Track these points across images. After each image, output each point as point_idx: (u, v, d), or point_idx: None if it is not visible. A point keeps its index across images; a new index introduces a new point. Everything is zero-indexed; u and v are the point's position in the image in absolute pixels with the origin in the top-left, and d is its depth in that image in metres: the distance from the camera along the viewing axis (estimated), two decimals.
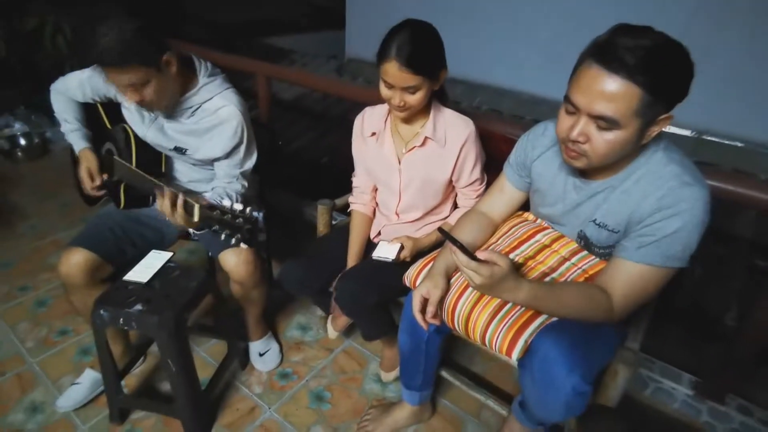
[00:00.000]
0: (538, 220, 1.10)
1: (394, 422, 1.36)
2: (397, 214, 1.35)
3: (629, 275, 0.88)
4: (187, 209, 1.07)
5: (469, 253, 0.86)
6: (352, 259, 1.34)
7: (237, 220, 1.02)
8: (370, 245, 1.38)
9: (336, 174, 3.38)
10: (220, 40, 5.20)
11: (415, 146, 1.23)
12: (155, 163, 1.39)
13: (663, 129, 0.83)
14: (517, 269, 0.99)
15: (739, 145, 3.29)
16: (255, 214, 1.03)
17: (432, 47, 1.11)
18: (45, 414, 1.38)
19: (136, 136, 1.35)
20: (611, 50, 0.75)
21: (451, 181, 1.28)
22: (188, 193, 1.39)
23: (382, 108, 1.30)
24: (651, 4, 3.09)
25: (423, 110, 1.21)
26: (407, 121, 1.24)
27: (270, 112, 2.26)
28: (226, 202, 1.04)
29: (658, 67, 0.74)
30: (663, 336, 1.67)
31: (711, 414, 1.44)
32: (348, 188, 1.48)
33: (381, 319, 1.31)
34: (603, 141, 0.80)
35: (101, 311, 1.17)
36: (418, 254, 1.24)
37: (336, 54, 5.65)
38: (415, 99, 1.12)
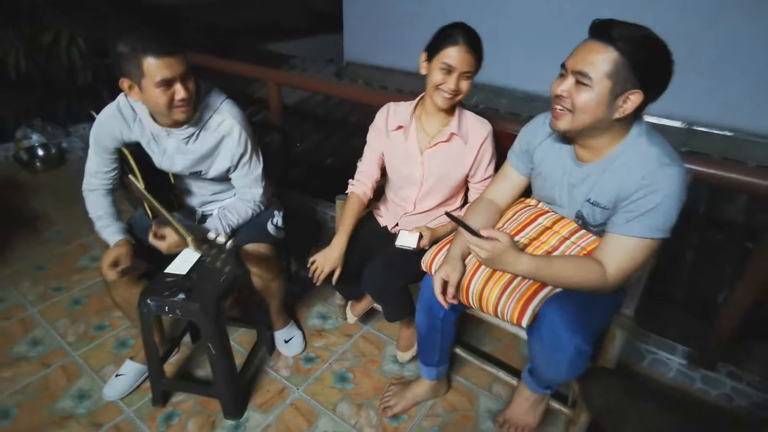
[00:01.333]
0: (540, 204, 1.23)
1: (414, 396, 1.49)
2: (414, 205, 1.46)
3: (619, 247, 1.01)
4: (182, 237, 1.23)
5: (474, 232, 1.01)
6: (342, 235, 1.40)
7: (221, 255, 1.17)
8: (390, 236, 1.49)
9: (340, 174, 3.51)
10: (219, 45, 5.32)
11: (440, 141, 1.35)
12: (163, 178, 1.45)
13: (638, 113, 0.97)
14: (522, 249, 1.12)
15: (729, 134, 3.42)
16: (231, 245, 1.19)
17: (479, 39, 1.25)
18: (92, 400, 1.50)
19: (134, 154, 1.37)
20: (603, 26, 0.92)
21: (467, 176, 1.40)
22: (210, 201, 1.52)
23: (407, 104, 1.41)
24: (640, 1, 3.22)
25: (450, 108, 1.33)
26: (438, 113, 1.35)
27: (281, 117, 2.38)
28: (212, 235, 1.21)
29: (635, 43, 0.89)
30: (660, 316, 1.79)
31: (704, 381, 1.57)
32: None
33: (404, 302, 1.43)
34: (580, 98, 0.95)
35: (148, 300, 1.29)
36: (435, 242, 1.36)
37: (333, 58, 5.78)
38: (465, 86, 1.25)
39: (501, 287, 1.09)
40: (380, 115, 1.45)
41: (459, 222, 1.05)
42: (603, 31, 0.92)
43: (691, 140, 3.43)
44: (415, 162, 1.39)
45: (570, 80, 0.97)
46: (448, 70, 1.22)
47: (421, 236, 1.38)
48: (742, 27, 3.12)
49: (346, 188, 1.52)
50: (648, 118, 3.46)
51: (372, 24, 4.98)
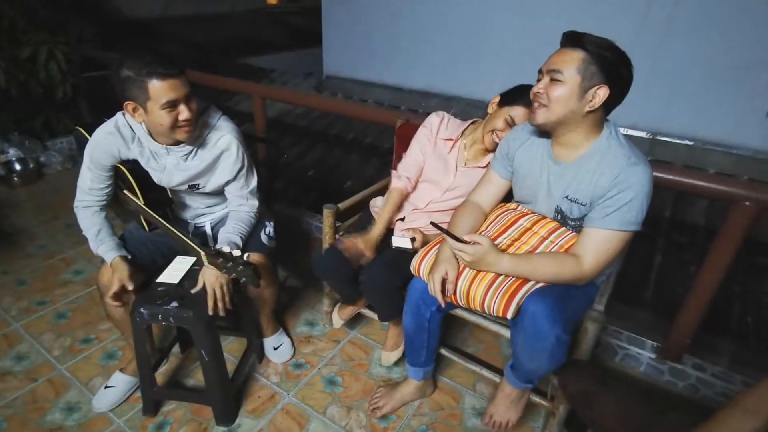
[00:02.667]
0: (520, 207, 1.32)
1: (402, 397, 1.54)
2: (426, 204, 1.56)
3: (597, 240, 1.11)
4: (194, 253, 1.27)
5: (457, 238, 1.11)
6: (381, 224, 1.52)
7: (239, 267, 1.23)
8: (386, 234, 1.56)
9: (322, 185, 3.57)
10: (201, 60, 5.35)
11: (478, 166, 1.50)
12: (161, 192, 1.46)
13: (606, 111, 1.11)
14: (504, 249, 1.20)
15: (690, 143, 3.63)
16: (252, 256, 1.27)
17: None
18: (81, 412, 1.51)
19: (131, 171, 1.38)
20: (573, 35, 1.07)
21: None
22: (202, 214, 1.56)
23: (460, 122, 1.56)
24: (601, 20, 3.43)
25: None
26: (481, 144, 1.49)
27: (265, 129, 2.44)
28: (227, 249, 1.25)
29: (599, 46, 1.04)
30: (631, 317, 1.90)
31: (671, 373, 1.68)
32: (333, 199, 1.68)
33: (399, 302, 1.50)
34: (554, 92, 1.08)
35: (141, 309, 1.32)
36: (424, 245, 1.44)
37: (312, 72, 5.86)
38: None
39: (486, 284, 1.17)
40: (436, 119, 1.57)
41: (443, 231, 1.15)
42: (573, 38, 1.06)
43: (655, 149, 3.63)
44: (449, 172, 1.52)
45: (545, 79, 1.10)
46: (511, 123, 1.38)
47: (414, 239, 1.46)
48: (697, 43, 3.34)
49: (328, 200, 1.61)
50: (637, 131, 3.63)
51: (351, 38, 5.09)
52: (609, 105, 1.09)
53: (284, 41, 7.17)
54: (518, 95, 1.38)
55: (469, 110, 4.34)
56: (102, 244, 1.39)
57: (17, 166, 3.00)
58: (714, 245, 1.48)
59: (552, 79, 1.08)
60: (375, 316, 1.77)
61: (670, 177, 1.46)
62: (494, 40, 4.06)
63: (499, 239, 1.25)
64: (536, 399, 1.43)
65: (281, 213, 2.52)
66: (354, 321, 1.93)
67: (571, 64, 1.06)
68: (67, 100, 3.30)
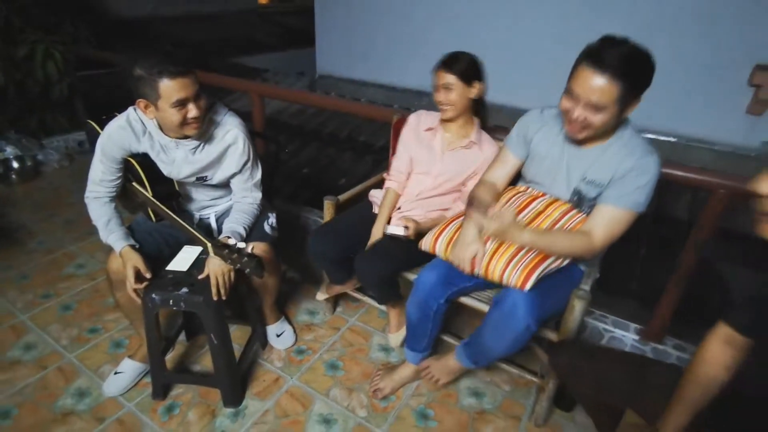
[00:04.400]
0: (529, 190, 1.41)
1: (401, 379, 1.62)
2: (417, 194, 1.65)
3: (610, 216, 1.22)
4: (200, 244, 1.36)
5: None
6: (379, 225, 1.63)
7: (244, 258, 1.31)
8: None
9: (317, 183, 3.64)
10: (193, 60, 5.37)
11: (461, 147, 1.58)
12: (169, 185, 1.52)
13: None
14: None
15: (673, 140, 3.77)
16: (256, 246, 1.36)
17: (466, 61, 1.50)
18: (92, 397, 1.56)
19: (141, 164, 1.44)
20: (600, 55, 1.09)
21: (467, 178, 1.61)
22: (207, 206, 1.63)
23: (435, 113, 1.65)
24: (587, 21, 3.54)
25: (470, 121, 1.59)
26: (450, 121, 1.58)
27: (263, 127, 2.50)
28: (233, 240, 1.34)
29: (632, 69, 1.09)
30: (617, 305, 2.00)
31: (654, 353, 1.77)
32: (330, 193, 1.78)
33: (393, 287, 1.59)
34: (595, 119, 1.15)
35: (153, 295, 1.38)
36: (419, 234, 1.53)
37: (305, 71, 5.93)
38: (451, 97, 1.49)
39: (507, 258, 1.26)
40: (414, 117, 1.69)
41: (470, 204, 1.33)
42: (598, 59, 1.08)
43: None
44: (435, 158, 1.61)
45: (581, 106, 1.15)
46: (438, 87, 1.52)
47: (407, 227, 1.53)
48: (680, 44, 3.47)
49: (324, 195, 1.75)
50: None
51: (344, 38, 5.16)
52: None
53: (276, 41, 7.21)
54: (439, 61, 1.50)
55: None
56: (112, 233, 1.45)
57: (15, 164, 3.02)
58: (693, 231, 1.58)
59: (593, 109, 1.13)
60: (374, 303, 1.85)
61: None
62: (484, 38, 4.16)
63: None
64: (527, 376, 1.52)
65: (279, 208, 2.58)
66: (353, 309, 2.00)
67: (609, 95, 1.10)
68: (63, 98, 3.32)
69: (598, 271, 1.43)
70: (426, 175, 1.64)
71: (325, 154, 4.04)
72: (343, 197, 1.78)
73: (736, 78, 3.43)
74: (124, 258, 1.42)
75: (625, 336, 1.82)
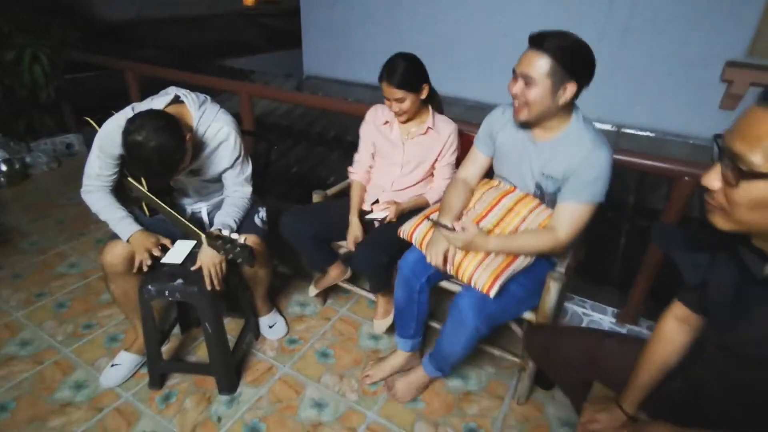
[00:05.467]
0: (501, 184, 1.48)
1: (391, 367, 1.68)
2: (392, 184, 1.73)
3: (569, 212, 1.29)
4: (194, 236, 1.42)
5: (447, 227, 1.33)
6: (354, 213, 1.73)
7: (236, 249, 1.38)
8: (363, 213, 1.77)
9: (306, 181, 3.69)
10: (179, 63, 5.39)
11: (419, 134, 1.67)
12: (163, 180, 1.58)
13: (575, 101, 1.27)
14: (489, 230, 1.38)
15: (651, 135, 3.89)
16: (247, 238, 1.42)
17: (411, 69, 1.55)
18: (90, 389, 1.60)
19: None
20: (538, 37, 1.20)
21: (434, 162, 1.69)
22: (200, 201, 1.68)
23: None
24: (566, 20, 3.65)
25: (424, 110, 1.66)
26: (407, 121, 1.67)
27: (253, 125, 2.55)
28: (225, 232, 1.41)
29: (562, 47, 1.18)
30: (598, 293, 2.09)
31: (630, 333, 1.87)
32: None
33: (387, 275, 1.67)
34: (529, 94, 1.23)
35: (149, 287, 1.43)
36: (402, 215, 1.63)
37: (292, 72, 5.97)
38: (406, 105, 1.57)
39: (477, 261, 1.34)
40: (370, 113, 1.77)
41: (437, 223, 1.37)
42: (539, 42, 1.20)
43: (620, 141, 3.88)
44: (397, 148, 1.70)
45: (520, 82, 1.24)
46: (387, 98, 1.59)
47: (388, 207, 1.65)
48: (655, 41, 3.60)
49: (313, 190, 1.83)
50: None
51: (330, 39, 5.22)
52: (577, 93, 1.26)
53: (263, 43, 7.24)
54: (382, 73, 1.56)
55: (446, 107, 4.54)
56: (123, 219, 1.51)
57: (3, 167, 3.03)
58: (661, 217, 1.68)
59: (526, 83, 1.23)
60: (363, 293, 1.92)
61: (625, 158, 1.65)
62: (467, 38, 4.26)
63: (486, 218, 1.41)
64: (510, 357, 1.60)
65: (270, 206, 2.63)
66: (343, 300, 2.07)
67: (541, 69, 1.19)
68: (51, 102, 3.34)
69: (572, 257, 1.51)
70: (393, 166, 1.73)
71: (314, 153, 4.11)
72: (331, 191, 1.85)
73: (709, 74, 3.56)
74: (138, 240, 1.48)
75: (603, 319, 1.91)
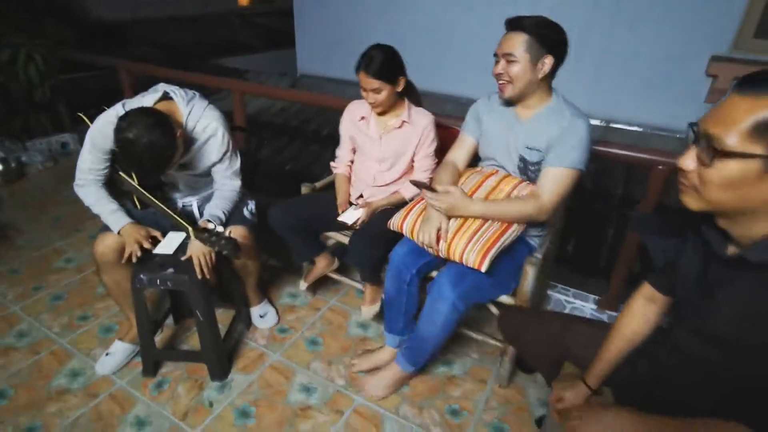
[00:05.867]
0: (484, 169, 1.55)
1: (378, 360, 1.71)
2: (374, 178, 1.77)
3: (553, 177, 1.37)
4: (183, 229, 1.48)
5: (432, 189, 1.39)
6: (341, 206, 1.78)
7: (222, 241, 1.43)
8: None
9: (301, 179, 3.74)
10: (174, 62, 5.43)
11: (395, 128, 1.69)
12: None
13: (554, 74, 1.37)
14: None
15: (639, 129, 3.96)
16: (235, 229, 1.50)
17: (388, 61, 1.58)
18: (85, 377, 1.65)
19: None
20: (514, 20, 1.32)
21: (413, 155, 1.72)
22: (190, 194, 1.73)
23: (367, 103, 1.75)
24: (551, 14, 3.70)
25: (400, 103, 1.69)
26: (383, 113, 1.70)
27: (245, 121, 2.60)
28: (212, 225, 1.47)
29: (536, 25, 1.31)
30: (584, 283, 2.15)
31: (609, 320, 1.92)
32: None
33: (380, 267, 1.71)
34: (512, 71, 1.35)
35: (141, 275, 1.48)
36: (379, 213, 1.70)
37: (287, 71, 6.01)
38: (381, 96, 1.59)
39: (467, 238, 1.39)
40: (347, 110, 1.81)
41: (420, 185, 1.43)
42: (514, 23, 1.33)
43: (608, 135, 3.94)
44: (375, 143, 1.73)
45: (502, 62, 1.36)
46: (363, 89, 1.62)
47: (359, 216, 1.70)
48: (641, 36, 3.66)
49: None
50: None
51: (324, 38, 5.27)
52: (555, 68, 1.36)
53: (257, 42, 7.27)
54: (359, 63, 1.60)
55: (439, 104, 4.58)
56: (115, 212, 1.56)
57: None
58: (641, 205, 1.73)
59: (508, 61, 1.34)
60: (352, 283, 1.98)
61: (604, 149, 1.70)
62: (459, 35, 4.31)
63: (474, 195, 1.47)
64: (492, 342, 1.66)
65: (262, 202, 2.68)
66: (333, 291, 2.12)
67: (519, 45, 1.32)
68: (46, 101, 3.38)
69: (550, 242, 1.57)
70: (371, 161, 1.77)
71: (308, 150, 4.15)
72: (319, 184, 1.90)
73: (695, 69, 3.62)
74: (129, 232, 1.53)
75: (585, 306, 1.97)
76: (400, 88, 1.63)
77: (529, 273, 1.41)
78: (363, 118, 1.76)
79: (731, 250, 0.80)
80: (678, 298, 0.96)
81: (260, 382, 1.66)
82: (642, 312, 1.06)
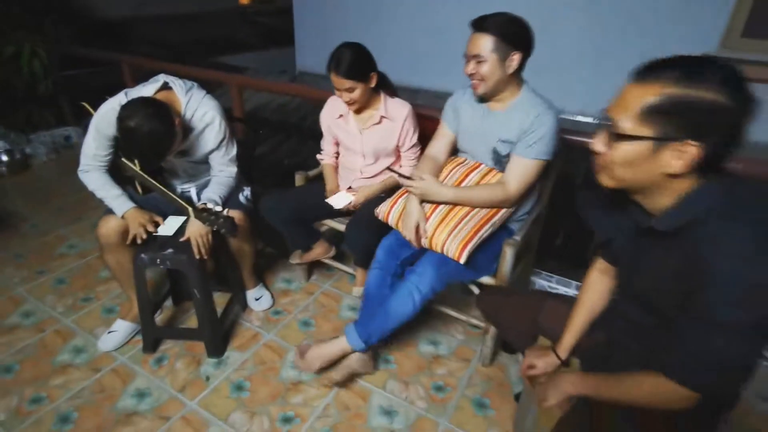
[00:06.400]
0: (468, 161, 1.62)
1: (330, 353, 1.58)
2: (360, 172, 1.85)
3: (520, 166, 1.45)
4: (184, 211, 1.57)
5: (407, 177, 1.46)
6: (330, 192, 1.86)
7: (220, 220, 1.52)
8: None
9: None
10: (173, 59, 5.50)
11: (373, 123, 1.75)
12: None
13: (522, 69, 1.43)
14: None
15: None
16: (232, 212, 1.57)
17: (359, 59, 1.62)
18: (88, 353, 1.74)
19: None
20: (479, 21, 1.38)
21: (397, 146, 1.79)
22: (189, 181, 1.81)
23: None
24: (547, 20, 3.78)
25: (376, 98, 1.73)
26: (360, 111, 1.76)
27: (243, 114, 2.69)
28: (210, 205, 1.55)
29: (501, 24, 1.36)
30: (564, 270, 2.23)
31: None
32: None
33: (373, 251, 1.74)
34: (482, 70, 1.41)
35: (142, 255, 1.56)
36: (375, 198, 1.77)
37: (286, 69, 6.09)
38: (356, 94, 1.64)
39: (448, 231, 1.47)
40: (325, 108, 1.87)
41: (396, 172, 1.52)
42: (480, 24, 1.38)
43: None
44: (356, 139, 1.79)
45: (472, 62, 1.41)
46: (336, 89, 1.66)
47: (351, 200, 1.78)
48: (624, 40, 3.74)
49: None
50: (566, 116, 4.00)
51: (322, 36, 5.35)
52: (523, 61, 1.43)
53: (257, 41, 7.36)
54: (329, 64, 1.62)
55: (434, 101, 4.66)
56: (118, 197, 1.64)
57: (4, 157, 3.15)
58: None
59: (478, 62, 1.40)
60: (345, 268, 2.06)
61: (576, 138, 1.78)
62: (452, 33, 4.39)
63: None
64: (475, 321, 1.74)
65: (260, 193, 2.77)
66: (326, 277, 2.21)
67: (486, 46, 1.38)
68: (48, 95, 3.47)
69: (530, 227, 1.65)
70: (355, 155, 1.84)
71: (306, 146, 4.24)
72: (312, 172, 1.98)
73: None
74: (133, 216, 1.61)
75: (568, 292, 2.05)
76: (372, 84, 1.66)
77: (508, 254, 1.49)
78: (341, 116, 1.80)
79: (649, 222, 0.88)
80: (618, 268, 1.05)
81: (255, 359, 1.74)
82: (598, 284, 1.15)
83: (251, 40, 7.36)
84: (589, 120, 4.12)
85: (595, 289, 1.14)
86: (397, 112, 1.74)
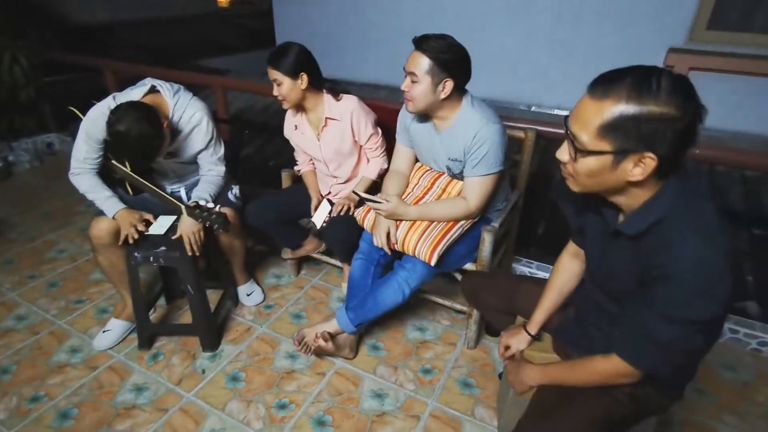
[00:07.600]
0: (433, 169, 1.69)
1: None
2: (333, 177, 1.91)
3: (473, 185, 1.52)
4: (177, 209, 1.61)
5: (373, 200, 1.54)
6: (314, 198, 1.92)
7: (213, 216, 1.58)
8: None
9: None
10: (155, 63, 5.49)
11: (323, 127, 1.78)
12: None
13: (459, 90, 1.45)
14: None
15: None
16: (222, 209, 1.61)
17: (292, 55, 1.63)
18: (84, 352, 1.78)
19: None
20: (420, 41, 1.39)
21: (355, 142, 1.82)
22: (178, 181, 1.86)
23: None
24: (519, 25, 3.89)
25: (319, 101, 1.76)
26: (298, 109, 1.79)
27: (227, 116, 2.73)
28: (202, 203, 1.60)
29: (438, 49, 1.37)
30: (542, 254, 2.33)
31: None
32: None
33: (355, 248, 1.81)
34: (414, 90, 1.42)
35: (135, 254, 1.61)
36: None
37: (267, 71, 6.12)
38: (283, 90, 1.66)
39: (418, 235, 1.55)
40: (285, 119, 1.92)
41: (362, 197, 1.57)
42: (419, 44, 1.39)
43: None
44: (315, 146, 1.85)
45: (408, 79, 1.43)
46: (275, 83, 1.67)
47: (329, 213, 1.82)
48: (604, 33, 3.87)
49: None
50: (544, 110, 4.10)
51: (303, 37, 5.36)
52: (459, 86, 1.44)
53: (238, 43, 7.35)
54: (268, 58, 1.65)
55: (373, 91, 4.75)
56: (109, 198, 1.68)
57: None
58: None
59: (412, 80, 1.41)
60: (333, 262, 2.13)
61: (553, 131, 1.88)
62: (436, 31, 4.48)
63: (424, 199, 1.65)
64: (459, 307, 1.83)
65: (249, 193, 2.81)
66: (315, 271, 2.27)
67: (421, 67, 1.38)
68: (31, 102, 3.46)
69: (508, 213, 1.74)
70: (319, 162, 1.90)
71: (289, 147, 4.28)
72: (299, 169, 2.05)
73: (654, 61, 3.84)
74: (124, 217, 1.65)
75: (546, 276, 2.15)
76: (303, 85, 1.66)
77: (486, 240, 1.58)
78: (296, 126, 1.86)
79: (621, 219, 0.95)
80: (586, 256, 1.14)
81: (249, 351, 1.80)
82: (568, 266, 1.24)
83: (233, 43, 7.35)
84: (566, 113, 4.25)
85: (566, 270, 1.23)
86: (341, 110, 1.75)
